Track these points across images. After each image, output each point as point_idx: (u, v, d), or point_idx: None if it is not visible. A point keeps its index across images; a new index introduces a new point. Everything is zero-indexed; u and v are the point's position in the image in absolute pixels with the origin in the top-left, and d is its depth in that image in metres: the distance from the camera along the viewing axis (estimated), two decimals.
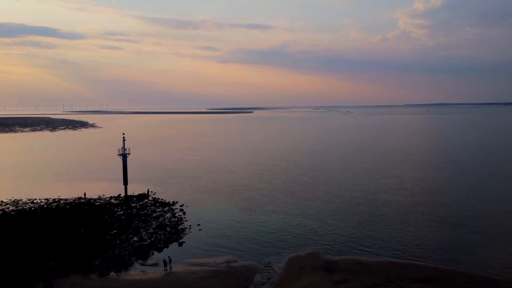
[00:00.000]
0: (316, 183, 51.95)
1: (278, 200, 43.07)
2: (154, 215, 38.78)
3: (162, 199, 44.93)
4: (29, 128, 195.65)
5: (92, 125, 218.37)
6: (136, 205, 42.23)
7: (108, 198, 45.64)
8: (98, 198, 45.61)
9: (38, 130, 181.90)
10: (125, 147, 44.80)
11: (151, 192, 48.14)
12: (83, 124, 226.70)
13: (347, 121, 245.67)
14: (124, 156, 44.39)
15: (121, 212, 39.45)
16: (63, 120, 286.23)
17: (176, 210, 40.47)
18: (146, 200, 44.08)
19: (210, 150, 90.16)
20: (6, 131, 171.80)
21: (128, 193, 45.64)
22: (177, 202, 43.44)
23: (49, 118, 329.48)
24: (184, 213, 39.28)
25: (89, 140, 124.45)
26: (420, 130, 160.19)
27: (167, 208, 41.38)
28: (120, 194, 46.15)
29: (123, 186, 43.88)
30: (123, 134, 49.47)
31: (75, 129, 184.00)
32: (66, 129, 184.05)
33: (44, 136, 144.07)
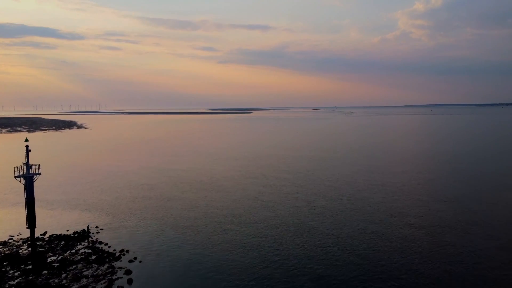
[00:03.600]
0: (343, 212, 36.30)
1: (297, 253, 27.41)
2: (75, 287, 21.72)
3: (106, 245, 28.04)
4: (8, 129, 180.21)
5: (79, 126, 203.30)
6: (55, 260, 25.22)
7: (15, 244, 28.00)
8: None
9: (17, 131, 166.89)
10: (31, 163, 26.39)
11: (95, 228, 31.50)
12: (70, 125, 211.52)
13: (361, 122, 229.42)
14: (28, 179, 26.09)
15: (16, 279, 22.54)
16: (51, 120, 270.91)
17: (118, 273, 23.50)
18: (79, 247, 27.32)
19: (199, 156, 73.97)
20: None
21: (56, 232, 30.07)
22: (127, 251, 26.74)
23: (38, 118, 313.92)
24: (130, 283, 22.32)
25: (57, 143, 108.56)
26: (438, 131, 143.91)
27: (106, 267, 24.35)
28: (42, 235, 29.40)
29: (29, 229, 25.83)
30: (27, 142, 28.27)
31: (56, 130, 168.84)
32: (48, 130, 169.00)
33: (8, 138, 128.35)
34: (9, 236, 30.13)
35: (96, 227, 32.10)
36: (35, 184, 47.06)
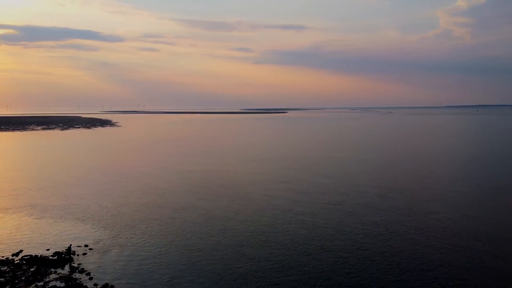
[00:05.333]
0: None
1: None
2: None
3: (88, 275, 20.41)
4: (44, 126, 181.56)
5: (112, 124, 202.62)
6: None
7: None
8: None
9: (52, 128, 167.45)
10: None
11: (83, 247, 24.33)
12: (104, 123, 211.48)
13: (402, 122, 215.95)
14: None
15: None
16: (88, 119, 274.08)
17: None
18: (51, 277, 19.98)
19: (225, 156, 66.51)
20: (15, 129, 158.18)
21: (34, 250, 23.09)
22: None
23: (77, 117, 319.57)
24: None
25: (81, 141, 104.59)
26: (493, 133, 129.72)
27: None
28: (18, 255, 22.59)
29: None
30: None
31: (89, 128, 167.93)
32: (81, 128, 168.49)
33: (40, 135, 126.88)
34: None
35: (85, 245, 25.28)
36: (36, 185, 40.76)
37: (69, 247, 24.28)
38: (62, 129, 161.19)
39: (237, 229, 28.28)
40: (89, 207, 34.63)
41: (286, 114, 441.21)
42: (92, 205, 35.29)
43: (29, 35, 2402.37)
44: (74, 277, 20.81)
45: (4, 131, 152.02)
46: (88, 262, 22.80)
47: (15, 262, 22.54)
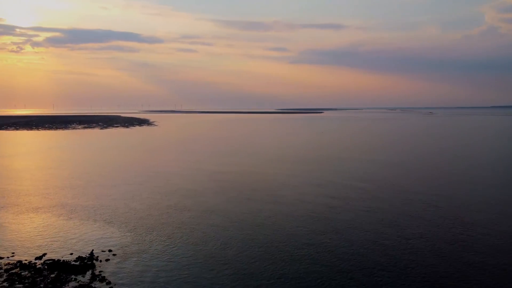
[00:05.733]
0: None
1: None
2: None
3: (108, 284, 19.25)
4: (85, 125, 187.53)
5: (150, 123, 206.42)
6: None
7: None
8: None
9: (92, 127, 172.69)
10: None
11: (107, 252, 23.33)
12: (141, 122, 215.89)
13: (445, 123, 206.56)
14: None
15: None
16: (127, 118, 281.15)
17: None
18: (70, 285, 18.82)
19: (259, 156, 64.31)
20: (58, 128, 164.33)
21: (59, 253, 22.30)
22: None
23: (116, 116, 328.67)
24: None
25: (118, 139, 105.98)
26: None
27: None
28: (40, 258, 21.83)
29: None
30: None
31: (127, 127, 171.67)
32: (119, 127, 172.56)
33: (80, 134, 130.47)
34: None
35: (109, 250, 24.29)
36: (69, 184, 40.59)
37: (91, 253, 23.31)
38: (101, 128, 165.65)
39: (267, 239, 26.38)
40: (117, 208, 33.87)
41: (322, 114, 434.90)
42: (121, 206, 34.53)
43: (74, 37, 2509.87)
44: (93, 286, 19.66)
45: (47, 129, 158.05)
46: (110, 269, 21.65)
47: (37, 267, 21.75)
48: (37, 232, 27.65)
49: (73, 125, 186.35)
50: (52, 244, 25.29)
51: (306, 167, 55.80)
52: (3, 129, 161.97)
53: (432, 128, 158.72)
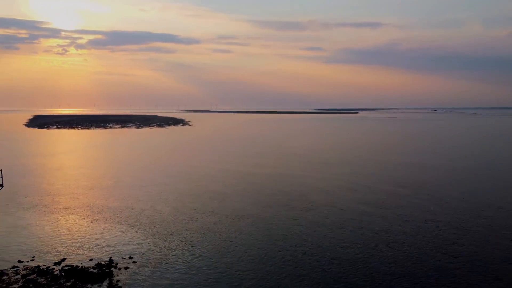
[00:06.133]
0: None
1: None
2: None
3: None
4: (122, 124, 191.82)
5: (185, 123, 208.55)
6: None
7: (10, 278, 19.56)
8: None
9: (128, 126, 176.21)
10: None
11: (127, 259, 22.21)
12: (177, 122, 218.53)
13: (491, 124, 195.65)
14: None
15: None
16: (163, 117, 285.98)
17: None
18: None
19: (292, 158, 62.01)
20: (96, 127, 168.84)
21: (78, 259, 21.27)
22: None
23: (153, 116, 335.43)
24: None
25: (151, 139, 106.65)
26: None
27: None
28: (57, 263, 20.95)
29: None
30: None
31: (162, 127, 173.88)
32: (155, 127, 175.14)
33: (116, 133, 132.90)
34: (18, 260, 22.88)
35: (129, 257, 23.22)
36: (99, 184, 40.21)
37: (110, 260, 22.29)
38: (137, 128, 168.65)
39: (298, 250, 24.44)
40: (143, 211, 32.99)
41: (358, 114, 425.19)
42: (147, 209, 33.63)
43: (115, 39, 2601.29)
44: None
45: (87, 128, 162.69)
46: (128, 278, 20.49)
47: (54, 273, 20.93)
48: (59, 235, 27.07)
49: (111, 124, 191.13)
50: (72, 249, 24.54)
51: (340, 169, 53.22)
52: (46, 127, 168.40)
53: (478, 129, 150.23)
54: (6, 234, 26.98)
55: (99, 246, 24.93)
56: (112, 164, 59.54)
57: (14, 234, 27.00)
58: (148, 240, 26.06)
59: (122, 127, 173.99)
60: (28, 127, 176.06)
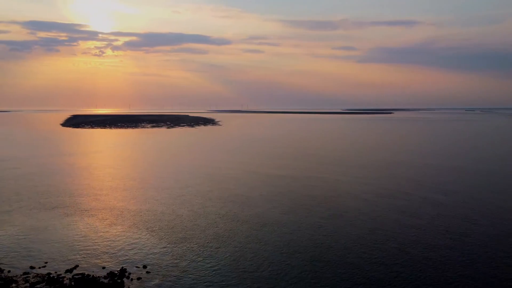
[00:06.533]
0: None
1: None
2: None
3: None
4: (153, 124, 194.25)
5: (214, 123, 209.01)
6: None
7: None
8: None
9: (159, 126, 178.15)
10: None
11: (141, 268, 20.74)
12: (207, 122, 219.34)
13: None
14: None
15: None
16: (194, 117, 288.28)
17: None
18: None
19: (321, 160, 59.28)
20: (128, 127, 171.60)
21: (90, 266, 19.77)
22: None
23: (185, 115, 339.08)
24: None
25: (180, 139, 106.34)
26: None
27: None
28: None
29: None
30: None
31: (192, 127, 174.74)
32: (185, 127, 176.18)
33: (147, 133, 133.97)
34: (30, 266, 21.95)
35: (144, 266, 21.76)
36: (122, 185, 39.45)
37: (122, 269, 20.87)
38: (168, 127, 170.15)
39: (320, 262, 22.24)
40: (164, 215, 31.65)
41: (391, 115, 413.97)
42: (168, 212, 32.28)
43: (149, 41, 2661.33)
44: None
45: (119, 128, 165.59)
46: None
47: (64, 282, 19.73)
48: (75, 239, 26.04)
49: (142, 124, 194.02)
50: (86, 255, 23.36)
51: (374, 173, 50.25)
52: (80, 127, 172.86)
53: None
54: (23, 237, 26.25)
55: (114, 253, 23.64)
56: (137, 164, 59.06)
57: (31, 237, 26.23)
58: (165, 247, 24.56)
59: (153, 126, 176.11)
60: (64, 126, 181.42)
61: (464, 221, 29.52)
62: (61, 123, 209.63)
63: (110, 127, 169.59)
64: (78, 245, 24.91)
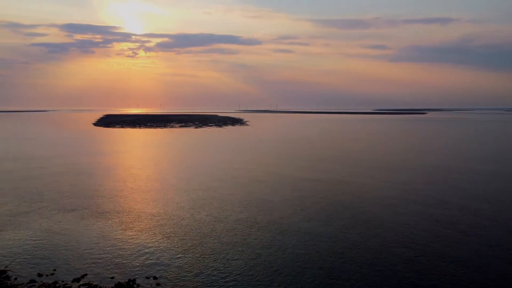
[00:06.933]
0: None
1: None
2: None
3: None
4: (182, 124, 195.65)
5: (243, 123, 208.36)
6: None
7: None
8: None
9: (188, 126, 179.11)
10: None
11: (151, 279, 19.34)
12: (235, 122, 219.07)
13: None
14: None
15: None
16: (222, 117, 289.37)
17: None
18: None
19: (352, 162, 56.45)
20: (157, 127, 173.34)
21: (99, 275, 18.84)
22: None
23: (214, 115, 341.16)
24: None
25: (205, 139, 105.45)
26: None
27: None
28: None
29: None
30: None
31: (220, 127, 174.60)
32: (213, 127, 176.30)
33: (174, 133, 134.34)
34: (38, 274, 20.98)
35: (154, 277, 20.38)
36: (144, 187, 38.77)
37: (130, 281, 19.52)
38: (196, 127, 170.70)
39: (351, 279, 20.10)
40: (182, 219, 30.31)
41: (425, 115, 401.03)
42: (187, 217, 30.93)
43: (180, 42, 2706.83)
44: None
45: (148, 128, 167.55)
46: None
47: None
48: (87, 245, 25.02)
49: (171, 124, 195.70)
50: (96, 263, 22.23)
51: (407, 178, 47.25)
52: (111, 126, 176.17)
53: None
54: (35, 242, 25.50)
55: (125, 262, 22.40)
56: (161, 165, 58.37)
57: (44, 242, 25.44)
58: (178, 257, 23.10)
59: (181, 126, 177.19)
60: (96, 125, 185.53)
61: (509, 236, 26.52)
62: (94, 122, 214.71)
63: (140, 127, 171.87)
64: (89, 252, 23.85)
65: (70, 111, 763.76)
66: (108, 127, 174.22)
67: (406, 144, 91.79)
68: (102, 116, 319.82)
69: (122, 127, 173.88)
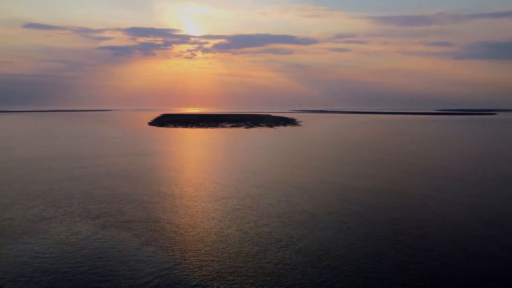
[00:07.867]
0: None
1: None
2: None
3: None
4: (233, 124, 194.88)
5: (295, 123, 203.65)
6: None
7: None
8: None
9: (239, 126, 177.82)
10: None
11: None
12: (287, 122, 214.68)
13: None
14: None
15: None
16: (274, 117, 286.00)
17: None
18: None
19: (408, 169, 50.04)
20: (208, 126, 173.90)
21: None
22: None
23: (266, 115, 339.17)
24: None
25: (257, 140, 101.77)
26: None
27: None
28: None
29: None
30: None
31: (271, 127, 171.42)
32: (264, 127, 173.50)
33: (223, 133, 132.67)
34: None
35: None
36: (178, 192, 35.97)
37: None
38: (246, 127, 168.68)
39: None
40: (208, 234, 26.90)
41: (494, 116, 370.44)
42: (214, 231, 27.46)
43: (237, 42, 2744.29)
44: None
45: (200, 127, 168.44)
46: None
47: None
48: (100, 261, 22.26)
49: (223, 124, 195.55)
50: (106, 279, 19.25)
51: (474, 190, 40.43)
52: (165, 126, 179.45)
53: None
54: (45, 255, 23.21)
55: (138, 282, 19.23)
56: (201, 167, 55.72)
57: (54, 256, 23.10)
58: (195, 284, 19.54)
59: (232, 126, 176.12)
60: (151, 125, 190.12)
61: None
62: (149, 122, 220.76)
63: (192, 126, 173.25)
64: (100, 271, 21.01)
65: (132, 110, 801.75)
66: (162, 126, 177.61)
67: (472, 148, 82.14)
68: (159, 115, 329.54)
69: (175, 126, 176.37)
